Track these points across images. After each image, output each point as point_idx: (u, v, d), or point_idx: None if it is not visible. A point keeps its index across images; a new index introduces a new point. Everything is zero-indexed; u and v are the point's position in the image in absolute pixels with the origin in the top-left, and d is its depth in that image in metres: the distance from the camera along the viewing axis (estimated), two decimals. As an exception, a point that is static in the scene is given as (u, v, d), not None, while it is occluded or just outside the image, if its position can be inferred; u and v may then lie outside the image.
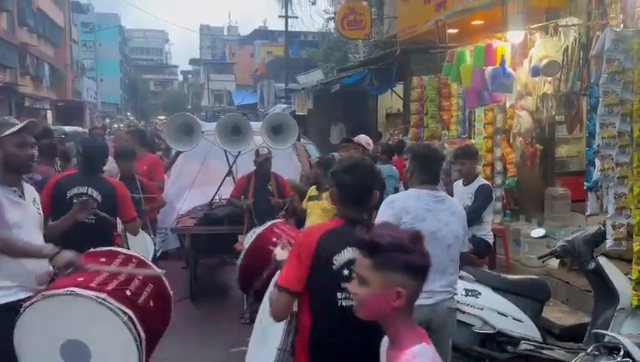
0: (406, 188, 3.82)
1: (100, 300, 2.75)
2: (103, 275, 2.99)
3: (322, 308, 2.36)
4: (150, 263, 3.26)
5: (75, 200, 3.80)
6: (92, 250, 3.18)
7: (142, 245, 4.80)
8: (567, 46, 5.65)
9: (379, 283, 1.64)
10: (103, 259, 3.10)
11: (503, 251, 6.70)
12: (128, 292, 2.96)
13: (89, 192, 3.90)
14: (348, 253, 2.35)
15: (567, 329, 5.10)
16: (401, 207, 3.19)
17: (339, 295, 2.35)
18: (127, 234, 4.36)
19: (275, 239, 4.51)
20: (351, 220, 2.45)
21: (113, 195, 3.96)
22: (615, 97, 4.14)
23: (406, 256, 1.64)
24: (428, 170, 3.33)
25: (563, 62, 5.62)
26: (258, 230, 4.60)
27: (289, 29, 26.26)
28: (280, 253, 2.60)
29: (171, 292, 3.23)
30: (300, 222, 6.00)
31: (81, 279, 2.91)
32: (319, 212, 5.28)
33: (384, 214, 3.20)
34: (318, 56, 21.62)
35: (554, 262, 6.00)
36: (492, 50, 5.89)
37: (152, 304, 3.05)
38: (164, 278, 3.16)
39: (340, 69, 16.95)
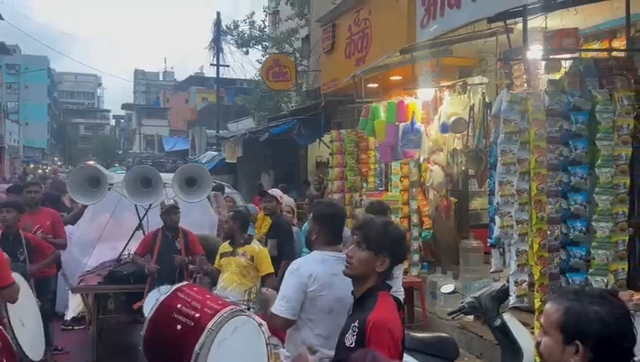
0: (309, 248, 3.65)
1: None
2: None
3: None
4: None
5: None
6: None
7: (26, 309, 4.40)
8: (474, 104, 5.86)
9: None
10: None
11: (421, 304, 6.70)
12: None
13: None
14: None
15: (479, 386, 5.06)
16: (307, 275, 2.97)
17: None
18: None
19: (179, 305, 4.24)
20: (387, 285, 2.51)
21: None
22: (512, 156, 4.26)
23: None
24: (332, 230, 3.16)
25: (469, 119, 5.81)
26: (161, 297, 4.32)
27: (224, 77, 26.33)
28: None
29: (15, 349, 3.08)
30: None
31: None
32: (234, 268, 5.03)
33: (290, 283, 2.97)
34: (252, 103, 21.67)
35: (469, 315, 6.03)
36: (404, 106, 6.02)
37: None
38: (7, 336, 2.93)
39: (271, 118, 17.02)
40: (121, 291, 5.95)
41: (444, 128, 5.79)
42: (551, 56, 4.79)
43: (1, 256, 3.71)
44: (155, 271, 5.48)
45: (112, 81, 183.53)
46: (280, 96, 19.29)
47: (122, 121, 77.70)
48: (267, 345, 3.11)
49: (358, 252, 2.48)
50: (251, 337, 3.17)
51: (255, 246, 5.15)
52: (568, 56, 4.85)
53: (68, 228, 7.13)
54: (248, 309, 4.61)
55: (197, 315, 4.14)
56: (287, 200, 6.89)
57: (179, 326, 4.10)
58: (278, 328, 3.06)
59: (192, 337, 3.99)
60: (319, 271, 3.00)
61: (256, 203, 9.57)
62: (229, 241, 5.27)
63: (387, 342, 2.24)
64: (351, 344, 2.32)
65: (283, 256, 5.48)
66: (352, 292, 2.54)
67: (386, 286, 2.49)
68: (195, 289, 4.52)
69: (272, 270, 5.05)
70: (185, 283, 4.55)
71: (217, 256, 5.25)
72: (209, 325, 3.99)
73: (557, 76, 4.88)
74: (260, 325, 3.23)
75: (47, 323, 5.02)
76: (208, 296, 4.46)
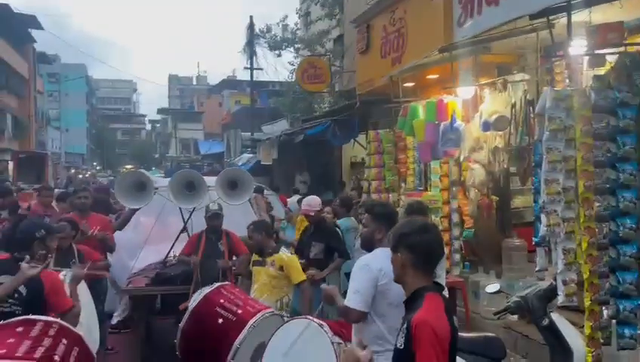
0: (366, 247, 3.63)
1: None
2: (27, 343, 2.88)
3: None
4: (71, 327, 3.15)
5: None
6: (6, 321, 3.03)
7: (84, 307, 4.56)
8: (515, 102, 5.79)
9: None
10: (20, 329, 2.95)
11: (463, 304, 6.65)
12: (57, 358, 2.88)
13: None
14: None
15: (526, 386, 5.00)
16: (377, 269, 3.11)
17: None
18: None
19: (222, 301, 4.36)
20: (435, 285, 2.51)
21: (39, 289, 3.47)
22: (558, 154, 4.20)
23: None
24: (391, 228, 3.27)
25: (511, 117, 5.74)
26: (205, 290, 4.45)
27: (257, 79, 26.62)
28: None
29: (95, 355, 3.24)
30: None
31: (3, 351, 2.79)
32: (264, 279, 5.10)
33: (361, 278, 3.11)
34: (285, 106, 21.83)
35: (515, 315, 5.96)
36: (443, 105, 5.99)
37: None
38: (85, 340, 3.11)
39: (305, 120, 17.13)
40: (168, 292, 6.10)
41: (485, 126, 5.74)
42: (595, 52, 4.69)
43: (58, 280, 3.65)
44: (197, 260, 5.61)
45: (147, 87, 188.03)
46: (313, 98, 19.40)
47: (158, 125, 79.17)
48: (332, 343, 3.18)
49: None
50: (316, 340, 3.25)
51: (284, 255, 5.17)
52: (613, 50, 4.75)
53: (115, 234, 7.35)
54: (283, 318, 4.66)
55: (239, 311, 4.24)
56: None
57: (220, 320, 4.21)
58: (352, 321, 3.16)
59: (232, 332, 4.09)
60: (387, 266, 3.08)
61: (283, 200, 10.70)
62: (257, 252, 5.32)
63: (432, 342, 2.27)
64: (400, 345, 2.38)
65: (334, 256, 5.59)
66: None
67: (437, 288, 2.53)
68: (237, 290, 4.65)
69: (303, 277, 5.11)
70: (228, 283, 4.66)
71: (251, 263, 5.33)
72: (251, 321, 4.09)
73: (602, 71, 4.78)
74: (321, 326, 3.30)
75: (101, 324, 5.19)
76: (250, 298, 4.59)
